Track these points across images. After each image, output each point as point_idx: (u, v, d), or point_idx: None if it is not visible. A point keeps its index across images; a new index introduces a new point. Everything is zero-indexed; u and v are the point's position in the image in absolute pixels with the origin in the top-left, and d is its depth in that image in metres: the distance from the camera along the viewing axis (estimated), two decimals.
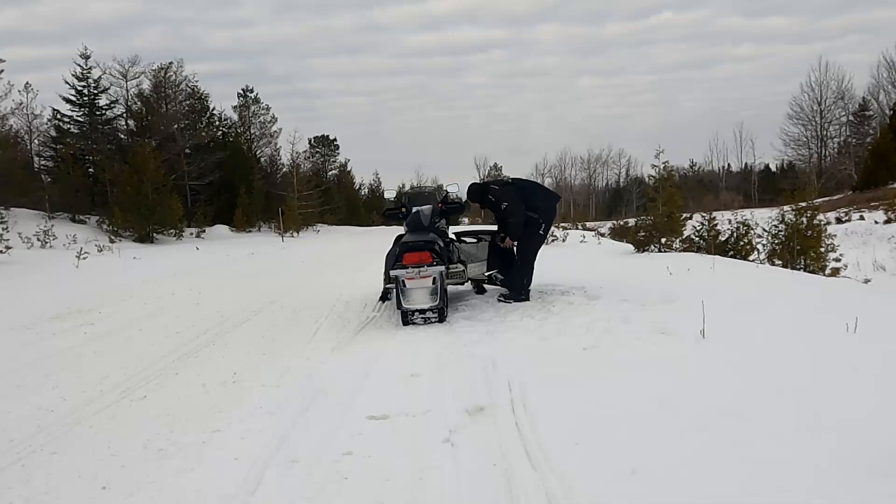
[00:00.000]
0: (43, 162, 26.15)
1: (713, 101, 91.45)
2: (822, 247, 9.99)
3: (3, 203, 20.57)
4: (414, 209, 6.58)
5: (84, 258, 13.17)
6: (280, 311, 7.25)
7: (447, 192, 7.25)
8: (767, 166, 59.12)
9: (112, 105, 26.86)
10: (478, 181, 7.19)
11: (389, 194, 7.51)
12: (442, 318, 5.86)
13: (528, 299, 6.28)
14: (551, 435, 2.97)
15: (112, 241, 19.30)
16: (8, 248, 14.33)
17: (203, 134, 30.56)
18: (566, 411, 3.26)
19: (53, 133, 25.72)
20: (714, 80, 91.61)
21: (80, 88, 25.29)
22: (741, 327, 4.65)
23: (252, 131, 36.99)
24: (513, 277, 6.42)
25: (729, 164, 62.64)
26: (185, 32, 73.75)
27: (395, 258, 5.84)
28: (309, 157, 45.71)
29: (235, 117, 36.17)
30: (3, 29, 50.70)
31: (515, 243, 6.42)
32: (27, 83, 25.04)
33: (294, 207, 30.02)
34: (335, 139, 52.40)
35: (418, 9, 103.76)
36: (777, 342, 4.22)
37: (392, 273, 5.73)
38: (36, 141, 26.00)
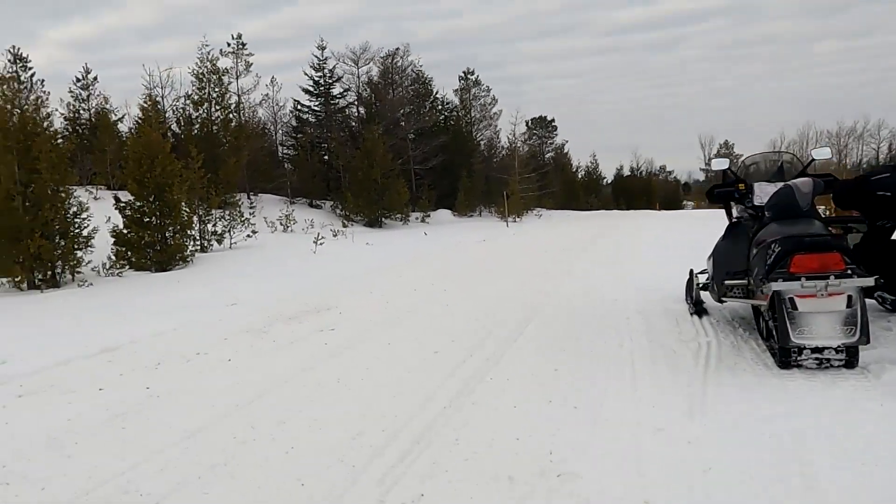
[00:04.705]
0: (284, 150, 28.04)
1: None
2: None
3: (252, 189, 21.99)
4: (780, 184, 4.25)
5: (321, 243, 12.83)
6: (555, 322, 5.42)
7: (812, 159, 4.79)
8: None
9: (344, 94, 27.96)
10: (838, 178, 4.74)
11: (719, 164, 5.04)
12: (853, 363, 3.53)
13: None
14: None
15: (345, 226, 19.45)
16: (254, 232, 14.73)
17: (426, 118, 30.52)
18: None
19: (294, 123, 27.40)
20: None
21: (316, 79, 26.55)
22: None
23: (472, 114, 36.38)
24: None
25: None
26: (401, 27, 76.19)
27: (775, 261, 3.62)
28: (526, 140, 44.18)
29: (457, 101, 35.82)
30: (249, 35, 56.45)
31: None
32: (273, 77, 26.90)
33: (516, 191, 28.61)
34: (553, 119, 50.07)
35: None
36: None
37: (774, 287, 3.50)
38: (280, 131, 27.96)
